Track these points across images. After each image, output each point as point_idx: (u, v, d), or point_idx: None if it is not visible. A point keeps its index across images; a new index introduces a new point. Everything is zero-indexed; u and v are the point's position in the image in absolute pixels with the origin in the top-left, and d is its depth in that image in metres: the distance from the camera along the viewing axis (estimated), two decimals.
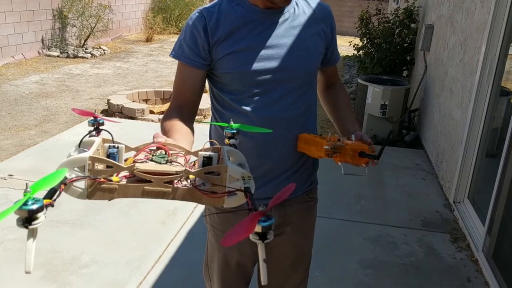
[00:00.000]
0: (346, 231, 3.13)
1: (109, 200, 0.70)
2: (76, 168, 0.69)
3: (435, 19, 5.28)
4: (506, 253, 2.56)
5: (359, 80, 5.26)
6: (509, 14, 2.97)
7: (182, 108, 1.28)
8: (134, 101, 5.89)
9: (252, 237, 0.59)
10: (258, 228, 0.58)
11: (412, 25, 6.55)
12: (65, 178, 0.65)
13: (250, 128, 0.95)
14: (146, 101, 6.16)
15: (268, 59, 1.28)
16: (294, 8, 1.33)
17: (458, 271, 2.74)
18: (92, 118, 0.85)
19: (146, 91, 6.23)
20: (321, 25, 1.36)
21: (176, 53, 1.32)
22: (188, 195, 0.70)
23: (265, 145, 1.33)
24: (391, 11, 7.59)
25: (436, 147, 4.30)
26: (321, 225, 3.14)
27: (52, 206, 0.60)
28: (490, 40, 3.13)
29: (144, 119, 5.39)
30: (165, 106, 5.47)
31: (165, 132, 1.15)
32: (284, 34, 1.30)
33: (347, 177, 3.90)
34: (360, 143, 1.24)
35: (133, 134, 4.68)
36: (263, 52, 1.28)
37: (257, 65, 1.27)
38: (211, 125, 1.44)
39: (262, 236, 0.59)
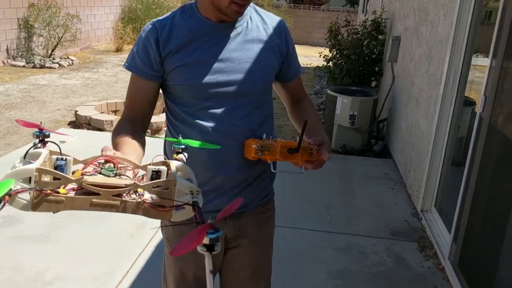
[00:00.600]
0: (316, 242, 3.13)
1: (54, 212, 0.69)
2: (20, 180, 0.68)
3: (402, 31, 5.41)
4: (471, 260, 2.61)
5: (329, 91, 5.32)
6: (470, 27, 3.07)
7: (133, 120, 1.28)
8: (102, 112, 5.80)
9: (199, 248, 0.61)
10: (206, 240, 0.61)
11: (380, 36, 6.69)
12: (10, 189, 0.65)
13: (198, 144, 0.95)
14: (115, 112, 6.07)
15: (219, 72, 1.28)
16: (247, 22, 1.34)
17: (426, 279, 2.78)
18: (37, 130, 0.84)
19: (115, 102, 6.14)
20: (275, 40, 1.37)
21: (128, 65, 1.31)
22: (136, 209, 0.71)
23: (218, 158, 1.32)
24: (359, 23, 7.74)
25: (404, 156, 4.38)
26: (291, 236, 3.15)
27: None
28: (453, 52, 3.22)
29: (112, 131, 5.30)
30: None
31: (115, 145, 1.15)
32: (236, 48, 1.30)
33: (318, 187, 3.92)
34: (291, 141, 1.25)
35: (100, 147, 4.59)
36: (215, 66, 1.28)
37: (208, 78, 1.28)
38: (165, 140, 1.43)
39: (209, 248, 0.61)
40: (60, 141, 4.57)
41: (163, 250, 1.56)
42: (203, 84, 1.27)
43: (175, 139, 0.90)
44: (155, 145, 1.25)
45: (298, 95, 1.54)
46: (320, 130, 1.44)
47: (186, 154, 0.90)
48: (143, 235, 3.02)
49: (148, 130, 1.86)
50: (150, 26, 1.29)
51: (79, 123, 5.49)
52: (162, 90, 1.37)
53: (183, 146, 0.90)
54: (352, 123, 5.04)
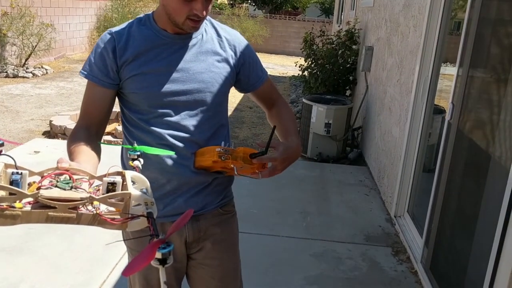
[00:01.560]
0: (293, 248, 3.17)
1: (12, 225, 0.70)
2: None
3: (374, 41, 5.54)
4: (441, 264, 2.69)
5: (304, 100, 5.40)
6: (438, 38, 3.18)
7: (89, 127, 1.31)
8: None
9: (153, 263, 0.64)
10: (158, 255, 0.64)
11: (354, 46, 6.82)
12: None
13: (153, 151, 0.99)
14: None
15: (174, 81, 1.34)
16: (202, 35, 1.40)
17: (399, 283, 2.84)
18: None
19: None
20: (228, 52, 1.43)
21: (85, 73, 1.35)
22: (92, 220, 0.73)
23: (172, 162, 1.36)
24: (334, 33, 7.87)
25: (378, 163, 4.47)
26: (269, 243, 3.19)
27: None
28: (422, 62, 3.33)
29: None
30: (111, 127, 5.37)
31: (70, 153, 1.18)
32: (191, 59, 1.36)
33: (294, 195, 3.97)
34: (251, 149, 1.32)
35: None
36: (170, 75, 1.33)
37: (163, 87, 1.33)
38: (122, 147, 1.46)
39: (162, 261, 0.64)
40: (34, 151, 4.52)
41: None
42: (158, 92, 1.32)
43: (130, 146, 0.93)
44: (110, 151, 1.28)
45: (271, 98, 1.59)
46: (291, 130, 1.49)
47: (141, 160, 0.92)
48: (119, 245, 3.00)
49: (104, 138, 1.88)
50: (108, 36, 1.34)
51: (53, 133, 5.42)
52: (118, 98, 1.40)
53: (138, 153, 0.92)
54: (327, 131, 5.12)
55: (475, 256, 2.34)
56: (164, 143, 1.33)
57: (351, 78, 6.84)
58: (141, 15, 1.40)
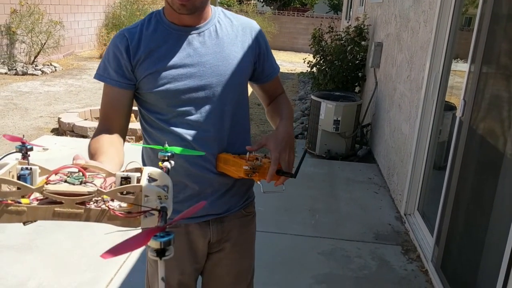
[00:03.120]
0: (301, 246, 3.15)
1: (19, 222, 0.67)
2: None
3: (384, 37, 5.48)
4: (453, 263, 2.65)
5: (312, 97, 5.36)
6: (449, 33, 3.13)
7: (110, 130, 1.27)
8: (86, 119, 5.75)
9: (150, 255, 0.58)
10: (156, 244, 0.58)
11: (363, 42, 6.77)
12: None
13: (183, 151, 0.95)
14: (98, 119, 6.02)
15: (190, 77, 1.29)
16: (216, 26, 1.34)
17: (409, 282, 2.81)
18: (20, 143, 0.82)
19: (99, 109, 6.08)
20: (245, 41, 1.37)
21: (101, 75, 1.31)
22: (101, 216, 0.69)
23: (195, 164, 1.33)
24: (343, 29, 7.82)
25: (387, 161, 4.42)
26: (277, 241, 3.16)
27: None
28: (433, 58, 3.28)
29: None
30: None
31: (91, 155, 1.13)
32: (206, 52, 1.31)
33: (302, 192, 3.94)
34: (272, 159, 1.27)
35: (84, 154, 4.56)
36: (185, 71, 1.28)
37: (179, 84, 1.28)
38: (143, 147, 1.42)
39: (160, 252, 0.58)
40: (43, 149, 4.53)
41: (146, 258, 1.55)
42: (174, 90, 1.28)
43: (161, 147, 0.90)
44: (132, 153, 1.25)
45: (276, 93, 1.55)
46: (282, 116, 1.42)
47: (172, 162, 0.88)
48: None
49: (132, 137, 1.85)
50: (120, 35, 1.30)
51: (62, 130, 5.43)
52: (135, 99, 1.36)
53: (169, 154, 0.89)
54: (336, 128, 5.08)
55: (488, 255, 2.30)
56: (185, 144, 1.29)
57: (360, 74, 6.79)
58: (153, 12, 1.36)
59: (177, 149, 0.92)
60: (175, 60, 1.28)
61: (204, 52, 1.30)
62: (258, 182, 1.28)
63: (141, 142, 1.76)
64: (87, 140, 5.32)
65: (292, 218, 3.53)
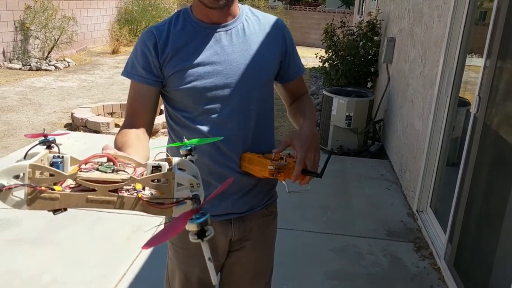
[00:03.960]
0: (313, 243, 3.14)
1: (49, 210, 0.68)
2: (18, 181, 0.67)
3: (397, 32, 5.43)
4: (466, 260, 2.63)
5: (324, 92, 5.33)
6: (464, 28, 3.08)
7: (136, 125, 1.27)
8: (99, 115, 5.79)
9: (192, 238, 0.58)
10: (194, 227, 0.58)
11: (375, 37, 6.71)
12: (2, 185, 0.64)
13: (202, 141, 0.95)
14: (111, 114, 6.07)
15: (217, 75, 1.28)
16: (243, 24, 1.34)
17: (422, 279, 2.79)
18: (43, 137, 0.83)
19: (112, 104, 6.14)
20: (272, 39, 1.37)
21: (128, 72, 1.31)
22: (134, 205, 0.69)
23: (219, 163, 1.33)
24: (355, 24, 7.76)
25: (400, 157, 4.39)
26: (288, 238, 3.16)
27: None
28: (447, 53, 3.24)
29: (109, 133, 5.30)
30: None
31: (118, 148, 1.12)
32: (233, 50, 1.30)
33: (314, 188, 3.92)
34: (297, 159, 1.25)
35: (97, 149, 4.59)
36: (212, 68, 1.28)
37: (205, 82, 1.28)
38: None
39: (200, 234, 0.58)
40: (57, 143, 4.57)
41: (166, 253, 1.55)
42: (201, 87, 1.28)
43: (181, 143, 0.90)
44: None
45: (299, 93, 1.53)
46: (305, 117, 1.39)
47: (195, 155, 0.87)
48: (140, 237, 3.02)
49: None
50: (148, 32, 1.30)
51: (75, 125, 5.48)
52: (162, 97, 1.37)
53: (189, 147, 0.89)
54: (348, 124, 5.05)
55: (502, 253, 2.28)
56: (210, 143, 1.29)
57: (372, 70, 6.73)
58: (180, 9, 1.36)
59: (194, 141, 0.92)
60: (202, 58, 1.28)
61: (231, 50, 1.30)
62: (283, 182, 1.27)
63: (159, 138, 1.75)
64: (100, 135, 5.38)
65: (304, 214, 3.52)
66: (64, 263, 2.72)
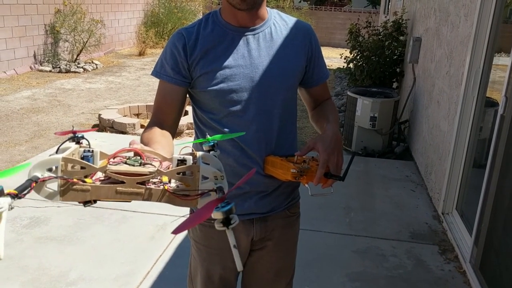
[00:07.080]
0: (335, 244, 3.13)
1: (80, 201, 0.71)
2: (52, 173, 0.71)
3: (423, 32, 5.35)
4: (492, 264, 2.57)
5: (349, 93, 5.30)
6: (491, 27, 3.02)
7: (162, 123, 1.30)
8: (125, 116, 5.90)
9: (217, 226, 0.61)
10: (220, 215, 0.60)
11: (401, 37, 6.63)
12: (37, 177, 0.67)
13: (225, 137, 0.96)
14: (137, 115, 6.17)
15: (244, 78, 1.31)
16: (271, 28, 1.36)
17: (446, 282, 2.75)
18: (71, 134, 0.87)
19: (138, 106, 6.24)
20: (298, 44, 1.38)
21: (158, 72, 1.35)
22: (161, 197, 0.72)
23: (243, 165, 1.35)
24: (381, 24, 7.67)
25: (425, 158, 4.33)
26: (310, 239, 3.16)
27: (20, 198, 0.62)
28: (474, 53, 3.18)
29: (135, 134, 5.40)
30: None
31: (144, 144, 1.15)
32: (259, 54, 1.32)
33: (337, 189, 3.90)
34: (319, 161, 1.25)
35: None
36: (239, 71, 1.30)
37: (232, 84, 1.30)
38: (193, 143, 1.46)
39: (226, 222, 0.61)
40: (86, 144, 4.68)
41: (189, 250, 1.58)
42: (227, 89, 1.30)
43: (203, 139, 0.92)
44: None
45: (322, 98, 1.54)
46: (328, 120, 1.40)
47: (217, 151, 0.89)
48: (163, 237, 3.07)
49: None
50: (178, 34, 1.33)
51: (102, 126, 5.60)
52: (190, 98, 1.40)
53: (211, 143, 0.91)
54: (372, 125, 5.01)
55: None
56: (234, 144, 1.33)
57: (398, 70, 6.65)
58: (210, 12, 1.39)
59: (217, 136, 0.94)
60: (229, 60, 1.30)
61: (258, 54, 1.32)
62: (306, 185, 1.27)
63: (183, 138, 1.78)
64: (126, 136, 5.47)
65: (327, 215, 3.51)
66: (91, 261, 2.79)
